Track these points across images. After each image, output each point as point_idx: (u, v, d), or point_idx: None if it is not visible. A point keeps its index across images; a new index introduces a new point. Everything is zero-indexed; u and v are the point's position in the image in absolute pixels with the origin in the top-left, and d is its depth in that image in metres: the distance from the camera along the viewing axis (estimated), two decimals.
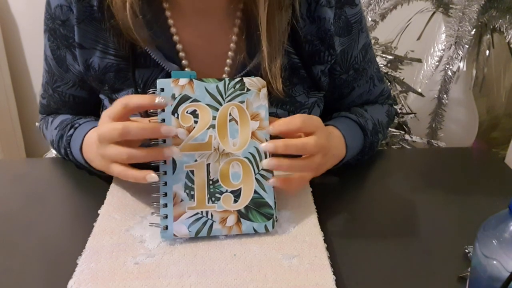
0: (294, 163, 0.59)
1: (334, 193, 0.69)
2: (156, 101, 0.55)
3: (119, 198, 0.65)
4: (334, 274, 0.52)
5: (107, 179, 0.70)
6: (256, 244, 0.56)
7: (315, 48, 0.69)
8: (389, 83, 1.29)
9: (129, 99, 0.56)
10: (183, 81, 0.58)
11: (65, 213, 0.66)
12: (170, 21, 0.67)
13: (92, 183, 0.71)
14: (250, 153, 0.58)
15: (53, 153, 1.11)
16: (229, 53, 0.69)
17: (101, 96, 0.73)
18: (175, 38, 0.68)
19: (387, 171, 0.78)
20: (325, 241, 0.57)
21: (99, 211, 0.62)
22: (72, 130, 0.71)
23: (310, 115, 0.60)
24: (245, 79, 0.59)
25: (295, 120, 0.58)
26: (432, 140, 1.33)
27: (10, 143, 1.83)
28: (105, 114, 0.58)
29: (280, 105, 0.70)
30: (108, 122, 0.57)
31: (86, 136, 0.68)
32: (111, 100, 0.71)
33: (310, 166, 0.60)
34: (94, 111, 0.77)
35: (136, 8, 0.63)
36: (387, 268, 0.55)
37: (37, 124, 0.83)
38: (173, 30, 0.67)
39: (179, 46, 0.68)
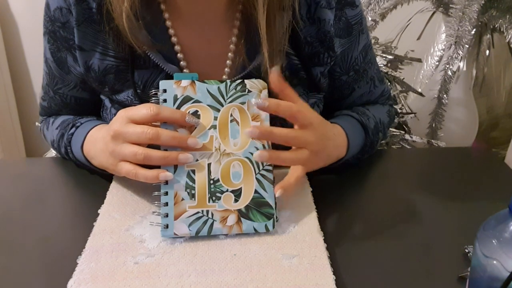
0: (283, 155, 0.58)
1: (334, 193, 0.69)
2: (187, 119, 0.57)
3: (119, 197, 0.65)
4: (334, 274, 0.52)
5: (107, 178, 0.70)
6: (256, 244, 0.56)
7: (315, 50, 0.69)
8: (389, 83, 1.29)
9: (160, 111, 0.57)
10: (185, 82, 0.59)
11: (65, 213, 0.66)
12: (168, 23, 0.67)
13: (92, 182, 0.71)
14: (251, 153, 0.59)
15: (53, 152, 1.11)
16: (229, 54, 0.69)
17: (102, 96, 0.73)
18: (174, 39, 0.68)
19: (387, 171, 0.78)
20: (325, 241, 0.57)
21: (99, 211, 0.62)
22: (73, 129, 0.71)
23: (308, 109, 0.60)
24: (247, 81, 0.60)
25: (292, 107, 0.58)
26: (432, 140, 1.33)
27: (10, 143, 1.83)
28: (125, 114, 0.58)
29: None
30: (127, 123, 0.57)
31: (88, 133, 0.68)
32: (112, 101, 0.71)
33: (299, 160, 0.59)
34: (95, 112, 0.77)
35: (135, 13, 0.63)
36: (387, 268, 0.55)
37: (37, 124, 0.83)
38: (171, 31, 0.67)
39: (177, 48, 0.68)
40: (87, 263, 0.53)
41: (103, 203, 0.64)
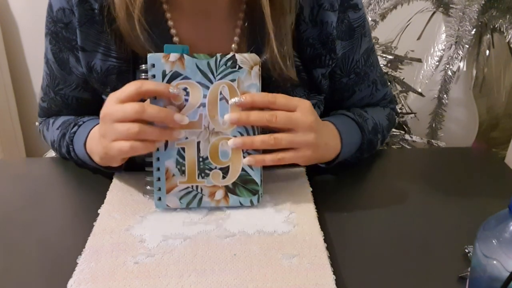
0: (256, 138, 0.59)
1: (334, 193, 0.69)
2: (170, 90, 0.57)
3: (119, 197, 0.65)
4: (334, 273, 0.52)
5: (107, 178, 0.70)
6: (256, 244, 0.56)
7: (317, 52, 0.69)
8: (389, 83, 1.30)
9: (143, 83, 0.57)
10: (173, 56, 0.58)
11: (65, 212, 0.66)
12: (170, 23, 0.67)
13: (92, 182, 0.71)
14: (239, 132, 0.60)
15: (53, 153, 1.11)
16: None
17: (104, 97, 0.73)
18: (175, 39, 0.68)
19: (387, 171, 0.78)
20: (325, 241, 0.57)
21: (99, 211, 0.62)
22: (75, 128, 0.71)
23: (290, 96, 0.61)
24: (237, 56, 0.59)
25: (268, 95, 0.59)
26: (432, 140, 1.33)
27: (10, 143, 1.83)
28: (113, 96, 0.58)
29: None
30: (116, 104, 0.57)
31: (91, 131, 0.68)
32: None
33: (280, 140, 0.59)
34: (96, 112, 0.77)
35: (139, 17, 0.62)
36: (387, 268, 0.55)
37: (37, 124, 0.83)
38: (173, 31, 0.68)
39: None
40: (87, 263, 0.53)
41: (103, 203, 0.64)
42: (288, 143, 0.60)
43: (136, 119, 0.56)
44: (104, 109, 0.59)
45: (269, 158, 0.60)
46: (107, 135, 0.58)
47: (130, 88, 0.57)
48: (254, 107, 0.59)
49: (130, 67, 0.67)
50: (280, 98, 0.60)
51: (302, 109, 0.60)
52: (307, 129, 0.60)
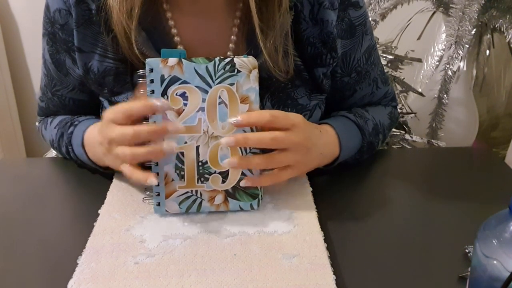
0: (254, 160, 0.59)
1: (334, 193, 0.69)
2: (158, 104, 0.56)
3: (119, 197, 0.65)
4: (334, 273, 0.52)
5: (107, 178, 0.70)
6: (257, 244, 0.56)
7: (317, 51, 0.69)
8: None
9: (131, 110, 0.56)
10: (172, 61, 0.58)
11: (65, 213, 0.66)
12: (171, 22, 0.67)
13: (92, 182, 0.71)
14: None
15: (53, 153, 1.11)
16: (228, 53, 0.69)
17: (101, 98, 0.73)
18: (176, 39, 0.68)
19: (387, 171, 0.78)
20: (325, 240, 0.57)
21: (99, 211, 0.62)
22: (72, 128, 0.71)
23: (285, 112, 0.60)
24: (236, 60, 0.59)
25: (264, 114, 0.58)
26: (432, 140, 1.33)
27: (10, 143, 1.83)
28: (110, 115, 0.58)
29: (282, 107, 0.70)
30: (112, 126, 0.57)
31: (86, 132, 0.68)
32: (111, 103, 0.71)
33: (275, 162, 0.60)
34: (93, 113, 0.77)
35: (137, 17, 0.62)
36: (387, 267, 0.55)
37: (37, 124, 0.83)
38: (174, 31, 0.67)
39: (180, 48, 0.68)
40: (88, 263, 0.53)
41: (103, 203, 0.64)
42: (284, 163, 0.61)
43: (133, 142, 0.57)
44: (105, 131, 0.58)
45: (266, 179, 0.61)
46: (117, 157, 0.59)
47: (118, 114, 0.57)
48: (248, 125, 0.59)
49: (127, 68, 0.67)
50: (279, 119, 0.59)
51: (297, 127, 0.60)
52: (300, 148, 0.61)
